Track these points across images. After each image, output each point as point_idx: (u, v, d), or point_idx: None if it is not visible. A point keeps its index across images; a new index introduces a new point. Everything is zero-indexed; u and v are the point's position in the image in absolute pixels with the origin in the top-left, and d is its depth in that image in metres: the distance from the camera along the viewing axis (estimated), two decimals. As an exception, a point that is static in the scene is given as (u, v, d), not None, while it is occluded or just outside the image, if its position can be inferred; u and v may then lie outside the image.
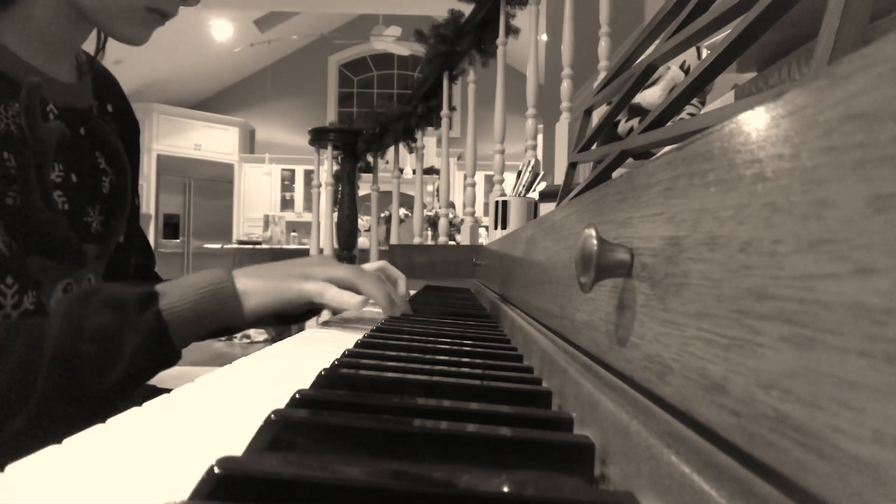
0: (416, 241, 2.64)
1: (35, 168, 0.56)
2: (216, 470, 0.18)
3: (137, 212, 0.78)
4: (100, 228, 0.66)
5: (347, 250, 3.03)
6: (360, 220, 3.40)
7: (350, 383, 0.33)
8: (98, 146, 0.67)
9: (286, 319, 0.71)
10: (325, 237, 3.21)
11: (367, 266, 0.85)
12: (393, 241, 2.93)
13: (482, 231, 2.81)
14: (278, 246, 5.87)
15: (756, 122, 0.15)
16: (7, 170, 0.54)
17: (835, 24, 0.18)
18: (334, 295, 0.59)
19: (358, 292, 0.61)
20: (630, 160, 0.49)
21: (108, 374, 0.46)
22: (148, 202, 7.07)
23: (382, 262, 0.86)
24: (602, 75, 1.51)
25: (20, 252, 0.55)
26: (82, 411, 0.46)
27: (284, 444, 0.23)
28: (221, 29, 6.85)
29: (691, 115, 0.77)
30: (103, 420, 0.25)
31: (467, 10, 2.21)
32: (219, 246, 6.08)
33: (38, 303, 0.57)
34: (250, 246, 5.74)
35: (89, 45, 0.69)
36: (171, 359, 0.51)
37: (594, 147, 0.52)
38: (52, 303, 0.58)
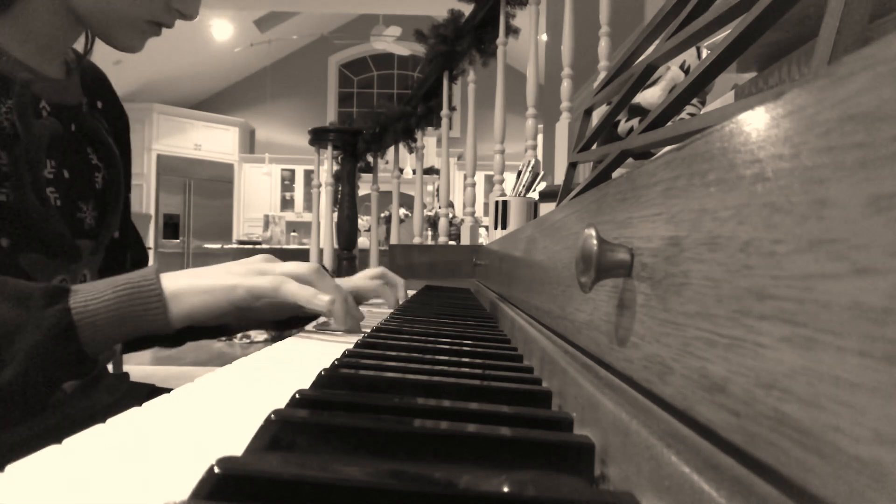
0: (416, 241, 2.64)
1: (27, 164, 0.56)
2: (216, 470, 0.18)
3: (129, 207, 0.78)
4: (93, 224, 0.66)
5: (347, 250, 3.03)
6: (360, 220, 3.40)
7: (350, 383, 0.33)
8: (89, 142, 0.67)
9: (280, 325, 0.71)
10: (325, 237, 3.21)
11: (366, 271, 0.85)
12: (393, 241, 2.93)
13: (482, 231, 2.81)
14: (278, 246, 5.87)
15: (756, 122, 0.15)
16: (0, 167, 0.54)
17: (835, 24, 0.18)
18: (295, 290, 0.51)
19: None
20: (630, 160, 0.49)
21: None
22: (148, 202, 7.05)
23: (381, 269, 0.86)
24: (602, 75, 1.51)
25: (12, 249, 0.55)
26: None
27: (284, 444, 0.23)
28: (221, 29, 6.85)
29: (691, 115, 0.77)
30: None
31: (467, 10, 2.22)
32: (219, 246, 6.08)
33: None
34: (250, 246, 5.74)
35: (80, 45, 0.70)
36: (81, 364, 0.45)
37: (594, 147, 0.52)
38: None
